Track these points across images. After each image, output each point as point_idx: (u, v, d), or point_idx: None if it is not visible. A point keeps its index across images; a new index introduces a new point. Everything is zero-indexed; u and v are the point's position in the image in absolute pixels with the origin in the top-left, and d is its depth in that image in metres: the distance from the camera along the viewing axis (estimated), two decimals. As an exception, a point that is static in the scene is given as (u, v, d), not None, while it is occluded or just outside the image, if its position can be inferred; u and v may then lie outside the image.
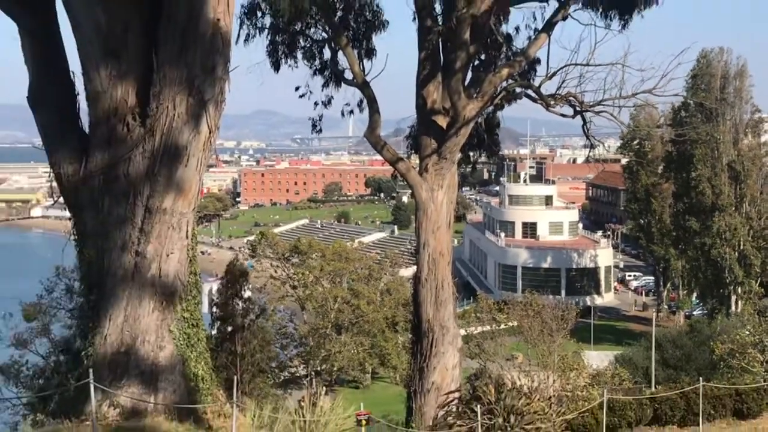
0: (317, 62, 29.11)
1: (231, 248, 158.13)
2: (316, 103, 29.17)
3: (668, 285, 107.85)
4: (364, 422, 18.21)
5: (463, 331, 37.71)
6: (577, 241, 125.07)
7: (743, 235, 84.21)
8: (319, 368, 70.08)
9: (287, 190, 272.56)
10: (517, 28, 29.64)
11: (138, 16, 12.78)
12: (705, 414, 24.93)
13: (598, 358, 49.97)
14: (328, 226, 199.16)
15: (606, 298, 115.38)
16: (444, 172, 26.85)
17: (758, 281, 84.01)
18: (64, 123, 13.70)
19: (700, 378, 25.69)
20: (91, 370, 11.92)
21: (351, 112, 29.49)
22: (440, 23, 27.42)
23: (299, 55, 28.97)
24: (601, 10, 27.38)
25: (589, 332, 74.04)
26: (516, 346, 57.78)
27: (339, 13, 28.28)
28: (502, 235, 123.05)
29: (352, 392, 66.03)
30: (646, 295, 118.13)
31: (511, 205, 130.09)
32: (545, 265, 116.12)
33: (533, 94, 27.63)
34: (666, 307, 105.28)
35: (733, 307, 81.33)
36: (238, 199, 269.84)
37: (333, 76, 28.95)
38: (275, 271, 75.11)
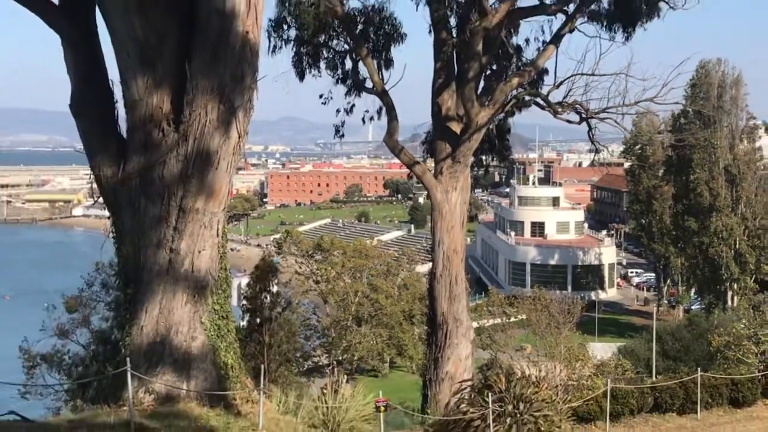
0: (339, 72, 29.13)
1: (258, 245, 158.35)
2: (338, 110, 29.22)
3: (668, 281, 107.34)
4: (382, 408, 18.13)
5: (475, 324, 37.68)
6: (582, 240, 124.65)
7: (739, 234, 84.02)
8: (340, 358, 69.93)
9: (311, 191, 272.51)
10: (527, 40, 29.75)
11: (173, 29, 12.76)
12: (703, 402, 24.84)
13: (602, 349, 49.82)
14: (349, 225, 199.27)
15: (609, 294, 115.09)
16: (458, 174, 26.85)
17: (753, 278, 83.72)
18: (103, 129, 13.71)
19: (698, 368, 25.55)
20: (128, 359, 11.94)
21: (371, 118, 29.50)
22: (454, 36, 27.42)
23: (322, 65, 29.02)
24: (605, 23, 27.33)
25: (594, 325, 73.64)
26: (525, 338, 57.61)
27: (360, 26, 28.30)
28: (512, 234, 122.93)
29: (372, 380, 65.78)
30: (648, 290, 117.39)
31: (521, 206, 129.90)
32: (552, 262, 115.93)
33: (542, 102, 27.62)
34: (666, 302, 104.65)
35: (729, 302, 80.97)
36: (265, 200, 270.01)
37: (354, 84, 28.96)
38: (300, 267, 74.99)
